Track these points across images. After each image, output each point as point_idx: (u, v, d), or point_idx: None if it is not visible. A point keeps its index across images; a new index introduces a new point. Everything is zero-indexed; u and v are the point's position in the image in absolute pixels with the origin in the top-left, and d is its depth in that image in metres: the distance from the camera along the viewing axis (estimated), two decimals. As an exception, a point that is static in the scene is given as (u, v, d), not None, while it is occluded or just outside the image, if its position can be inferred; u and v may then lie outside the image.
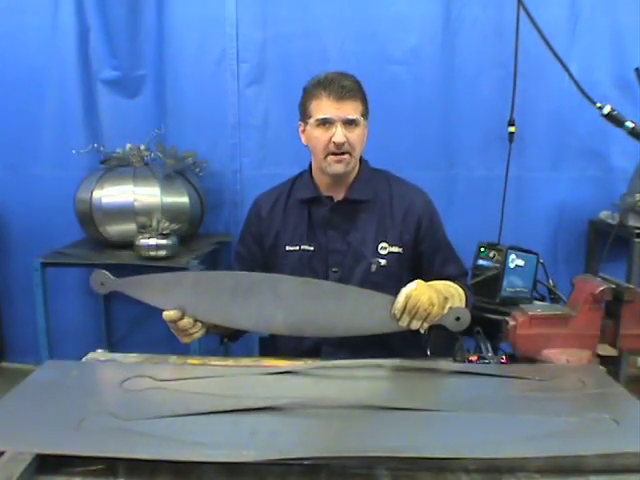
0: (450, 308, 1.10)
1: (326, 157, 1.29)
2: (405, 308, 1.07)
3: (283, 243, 1.37)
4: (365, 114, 1.31)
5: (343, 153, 1.28)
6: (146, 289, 1.13)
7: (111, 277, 1.14)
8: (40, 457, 0.76)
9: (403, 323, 1.08)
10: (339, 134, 1.25)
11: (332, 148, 1.27)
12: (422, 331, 1.13)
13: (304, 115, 1.32)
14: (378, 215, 1.35)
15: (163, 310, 1.12)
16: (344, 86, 1.26)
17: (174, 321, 1.12)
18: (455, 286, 1.23)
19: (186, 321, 1.12)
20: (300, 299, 1.11)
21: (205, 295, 1.12)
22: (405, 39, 2.32)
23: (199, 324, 1.14)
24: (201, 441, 0.77)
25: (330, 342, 1.31)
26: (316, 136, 1.29)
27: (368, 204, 1.36)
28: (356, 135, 1.28)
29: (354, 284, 1.31)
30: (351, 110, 1.27)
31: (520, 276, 1.40)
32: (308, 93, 1.31)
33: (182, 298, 1.12)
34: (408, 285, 1.09)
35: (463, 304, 1.21)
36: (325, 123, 1.27)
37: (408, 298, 1.06)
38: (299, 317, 1.11)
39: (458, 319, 1.08)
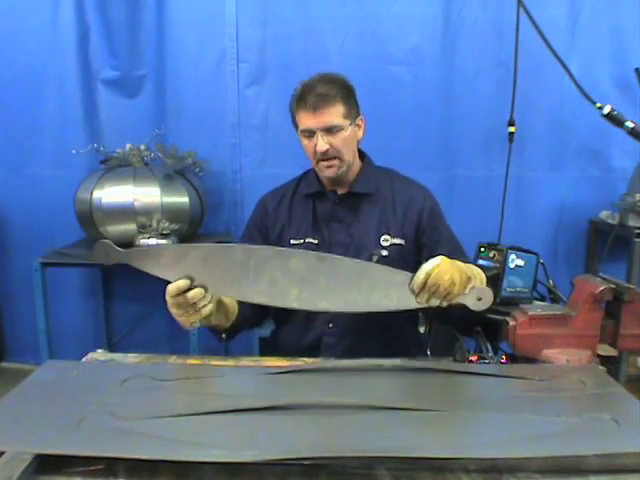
0: (472, 288, 1.06)
1: (317, 163, 1.33)
2: (425, 285, 1.02)
3: (288, 237, 1.39)
4: (350, 115, 1.31)
5: (332, 158, 1.30)
6: (152, 260, 1.07)
7: (115, 247, 1.06)
8: (40, 457, 0.75)
9: (421, 300, 1.04)
10: (320, 143, 1.28)
11: (319, 155, 1.30)
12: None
13: (294, 125, 1.35)
14: (380, 208, 1.37)
15: (169, 282, 1.06)
16: (319, 94, 1.26)
17: (183, 291, 1.05)
18: (478, 269, 1.19)
19: (197, 291, 1.05)
20: (314, 274, 1.06)
21: (215, 267, 1.07)
22: (405, 39, 2.33)
23: (209, 295, 1.08)
24: (201, 441, 0.77)
25: (331, 334, 1.33)
26: (305, 145, 1.33)
27: (371, 197, 1.38)
28: (340, 139, 1.29)
29: None
30: (329, 117, 1.27)
31: (520, 276, 1.40)
32: (291, 106, 1.34)
33: (191, 270, 1.06)
34: (430, 261, 1.04)
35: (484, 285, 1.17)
36: (307, 134, 1.30)
37: (428, 275, 1.02)
38: (314, 292, 1.07)
39: (480, 299, 1.04)
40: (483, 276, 1.20)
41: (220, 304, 1.17)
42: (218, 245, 1.13)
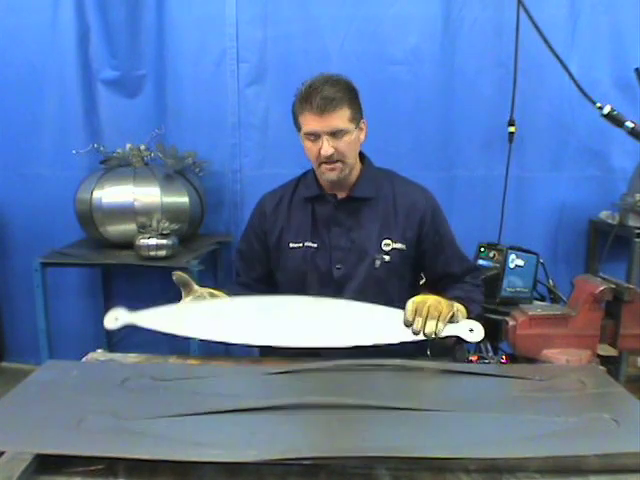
0: (458, 312, 1.15)
1: (320, 166, 1.31)
2: (416, 311, 1.11)
3: (287, 240, 1.38)
4: (354, 118, 1.30)
5: (335, 161, 1.29)
6: (159, 321, 1.14)
7: (124, 312, 1.15)
8: (40, 457, 0.76)
9: (417, 326, 1.11)
10: (325, 147, 1.26)
11: (322, 159, 1.29)
12: (433, 336, 1.13)
13: (296, 126, 1.34)
14: (382, 212, 1.36)
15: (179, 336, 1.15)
16: (325, 97, 1.24)
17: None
18: (457, 304, 1.23)
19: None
20: (313, 316, 1.16)
21: (225, 320, 1.16)
22: (405, 39, 2.33)
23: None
24: (201, 441, 0.77)
25: None
26: (307, 147, 1.31)
27: (371, 202, 1.37)
28: (345, 143, 1.28)
29: (358, 280, 1.33)
30: (335, 121, 1.26)
31: (520, 276, 1.40)
32: (295, 106, 1.31)
33: (196, 324, 1.16)
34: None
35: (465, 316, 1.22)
36: (312, 137, 1.28)
37: (415, 303, 1.12)
38: (313, 332, 1.15)
39: (472, 330, 1.12)
40: (462, 308, 1.23)
41: None
42: (225, 300, 1.23)
